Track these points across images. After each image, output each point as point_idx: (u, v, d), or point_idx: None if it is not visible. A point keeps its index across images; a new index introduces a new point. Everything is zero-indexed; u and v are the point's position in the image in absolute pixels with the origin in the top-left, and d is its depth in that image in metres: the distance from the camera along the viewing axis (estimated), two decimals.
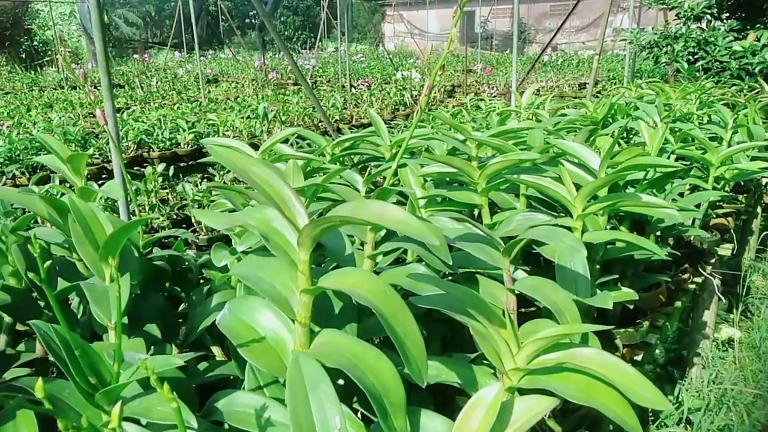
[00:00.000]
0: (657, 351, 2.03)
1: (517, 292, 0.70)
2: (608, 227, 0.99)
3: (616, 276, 0.87)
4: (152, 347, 0.70)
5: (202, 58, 14.25)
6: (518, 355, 0.52)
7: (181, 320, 0.76)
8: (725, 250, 1.59)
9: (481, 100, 4.60)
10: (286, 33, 19.61)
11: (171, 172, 2.58)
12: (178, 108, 5.16)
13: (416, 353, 0.43)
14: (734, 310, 2.43)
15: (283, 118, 4.15)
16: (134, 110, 4.85)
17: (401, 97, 5.61)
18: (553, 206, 0.99)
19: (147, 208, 2.04)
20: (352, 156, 1.28)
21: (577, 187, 0.95)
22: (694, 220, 1.32)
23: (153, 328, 0.70)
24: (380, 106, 5.36)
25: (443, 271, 0.69)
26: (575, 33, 15.87)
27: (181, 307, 0.83)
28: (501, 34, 17.70)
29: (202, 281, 0.85)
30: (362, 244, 0.74)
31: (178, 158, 3.48)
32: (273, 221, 0.49)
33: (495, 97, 5.87)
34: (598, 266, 0.93)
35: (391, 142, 1.21)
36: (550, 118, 1.92)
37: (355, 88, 6.26)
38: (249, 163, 0.46)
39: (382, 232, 0.78)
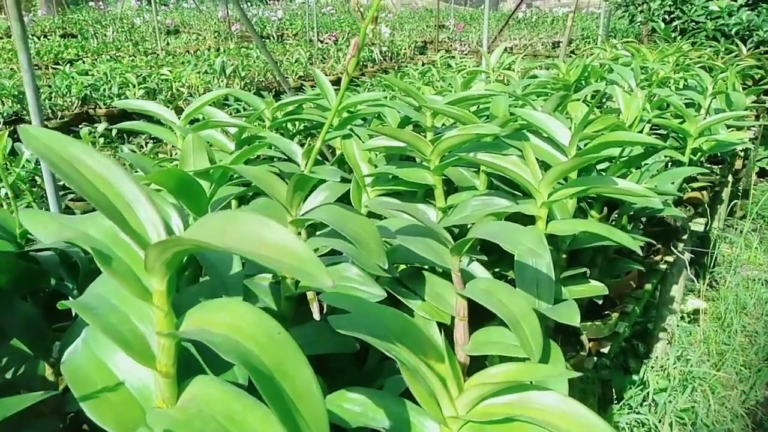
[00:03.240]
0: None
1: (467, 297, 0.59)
2: (578, 209, 0.88)
3: (585, 269, 0.76)
4: (22, 366, 0.57)
5: (163, 7, 13.54)
6: (459, 399, 0.41)
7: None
8: (698, 224, 1.51)
9: (452, 57, 4.42)
10: None
11: (114, 132, 2.38)
12: (132, 61, 4.85)
13: (313, 419, 0.31)
14: (701, 281, 2.39)
15: (243, 74, 3.91)
16: (83, 63, 4.53)
17: (369, 53, 5.38)
18: (518, 185, 0.88)
19: None
20: (296, 122, 1.14)
21: (545, 166, 0.83)
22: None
23: (22, 342, 0.57)
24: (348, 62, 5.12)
25: (378, 273, 0.56)
26: None
27: None
28: None
29: None
30: None
31: (127, 116, 3.25)
32: (122, 233, 0.36)
33: (466, 54, 5.69)
34: (564, 255, 0.82)
35: (339, 106, 1.06)
36: (520, 81, 1.79)
37: (321, 42, 5.98)
38: (77, 152, 0.32)
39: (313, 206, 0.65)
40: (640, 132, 1.40)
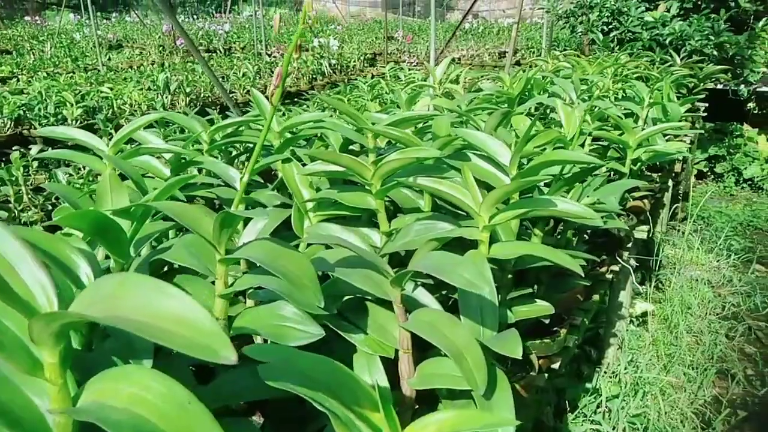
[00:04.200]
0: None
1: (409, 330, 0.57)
2: (523, 227, 0.87)
3: (530, 290, 0.75)
4: None
5: (105, 21, 13.12)
6: None
7: None
8: (641, 232, 1.55)
9: (401, 69, 4.44)
10: None
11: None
12: (71, 78, 4.67)
13: None
14: (648, 283, 2.46)
15: (188, 90, 3.82)
16: (18, 81, 4.33)
17: (319, 65, 5.36)
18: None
19: (13, 200, 1.76)
20: (235, 144, 1.10)
21: (488, 187, 0.83)
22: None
23: None
24: (296, 76, 5.09)
25: (314, 312, 0.54)
26: (495, 1, 15.92)
27: None
28: (423, 0, 17.46)
29: None
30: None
31: None
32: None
33: (415, 66, 5.73)
34: (510, 275, 0.81)
35: (280, 127, 1.03)
36: (466, 95, 1.80)
37: (269, 56, 5.92)
38: None
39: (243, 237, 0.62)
40: (582, 144, 1.43)
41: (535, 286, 0.93)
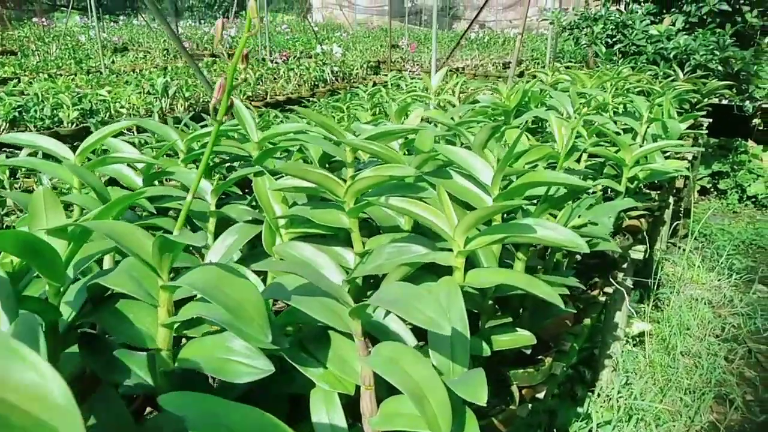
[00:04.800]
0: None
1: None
2: (505, 250, 0.83)
3: (509, 319, 0.71)
4: None
5: (113, 24, 13.17)
6: None
7: None
8: (638, 252, 1.50)
9: (402, 78, 4.41)
10: (206, 0, 18.56)
11: (40, 155, 2.23)
12: (72, 80, 4.66)
13: None
14: (646, 301, 2.40)
15: (187, 95, 3.79)
16: (20, 81, 4.31)
17: (321, 72, 5.33)
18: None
19: None
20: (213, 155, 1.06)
21: (469, 207, 0.78)
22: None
23: None
24: (298, 82, 5.06)
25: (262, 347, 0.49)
26: (503, 11, 15.94)
27: None
28: (430, 9, 17.51)
29: None
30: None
31: (60, 139, 3.08)
32: None
33: (417, 74, 5.70)
34: (491, 301, 0.77)
35: (258, 138, 0.99)
36: (461, 106, 1.76)
37: (271, 62, 5.90)
38: None
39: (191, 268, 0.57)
40: (578, 160, 1.38)
41: (521, 310, 0.88)
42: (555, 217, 0.90)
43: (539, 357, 0.87)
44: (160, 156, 0.94)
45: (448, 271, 0.67)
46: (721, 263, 2.82)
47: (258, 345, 0.47)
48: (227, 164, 1.08)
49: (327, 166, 1.04)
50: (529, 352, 0.80)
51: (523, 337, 0.73)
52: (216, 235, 0.84)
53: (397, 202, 0.64)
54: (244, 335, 0.46)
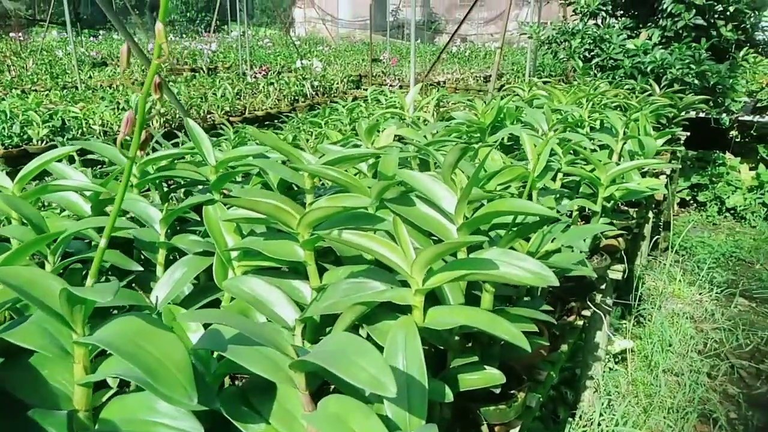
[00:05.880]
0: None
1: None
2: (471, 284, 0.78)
3: (476, 358, 0.66)
4: None
5: (92, 38, 13.03)
6: None
7: None
8: (616, 272, 1.46)
9: (382, 93, 4.39)
10: (188, 14, 18.49)
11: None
12: (46, 95, 4.57)
13: None
14: (628, 317, 2.37)
15: (163, 111, 3.73)
16: None
17: (301, 87, 5.29)
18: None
19: None
20: (167, 180, 1.00)
21: (432, 236, 0.74)
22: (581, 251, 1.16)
23: None
24: (278, 97, 5.01)
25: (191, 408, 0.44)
26: (483, 25, 16.09)
27: None
28: None
29: None
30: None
31: (29, 157, 3.00)
32: None
33: (399, 88, 5.69)
34: (457, 337, 0.72)
35: (215, 162, 0.94)
36: (435, 123, 1.72)
37: (251, 77, 5.85)
38: None
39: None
40: (554, 179, 1.35)
41: (491, 342, 0.83)
42: (529, 240, 0.86)
43: (512, 392, 0.82)
44: (108, 182, 0.88)
45: (409, 308, 0.62)
46: (702, 277, 2.81)
47: (182, 407, 0.42)
48: (183, 188, 1.03)
49: (292, 189, 0.99)
50: (497, 392, 0.75)
51: (493, 376, 0.68)
52: (166, 268, 0.78)
53: (351, 236, 0.59)
54: (166, 398, 0.41)
